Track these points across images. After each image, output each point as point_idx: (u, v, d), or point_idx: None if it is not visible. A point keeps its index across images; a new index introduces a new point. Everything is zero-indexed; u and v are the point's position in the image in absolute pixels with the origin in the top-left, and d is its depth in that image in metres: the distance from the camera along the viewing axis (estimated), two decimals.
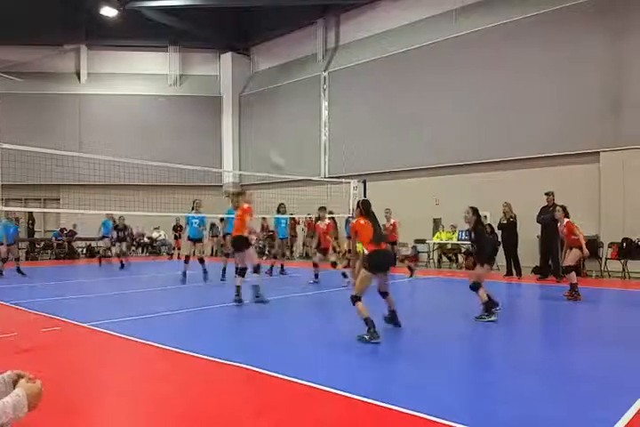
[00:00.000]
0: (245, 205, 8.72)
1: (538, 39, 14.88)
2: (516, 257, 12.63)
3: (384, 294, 6.30)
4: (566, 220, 9.31)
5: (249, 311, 7.98)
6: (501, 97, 15.54)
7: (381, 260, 6.00)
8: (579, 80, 14.06)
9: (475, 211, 7.19)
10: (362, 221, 6.28)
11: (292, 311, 8.27)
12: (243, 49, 24.82)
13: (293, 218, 18.08)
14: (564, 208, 9.43)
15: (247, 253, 8.58)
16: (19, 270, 13.05)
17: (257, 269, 8.60)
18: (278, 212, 12.93)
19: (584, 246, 8.92)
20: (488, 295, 6.95)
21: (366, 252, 5.97)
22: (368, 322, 5.61)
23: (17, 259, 13.63)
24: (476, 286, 6.94)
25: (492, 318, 6.79)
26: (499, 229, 12.62)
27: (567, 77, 14.27)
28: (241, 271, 8.63)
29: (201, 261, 11.92)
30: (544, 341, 6.17)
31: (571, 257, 9.07)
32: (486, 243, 7.30)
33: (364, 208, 6.44)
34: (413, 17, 18.49)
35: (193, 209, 12.01)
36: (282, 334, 6.31)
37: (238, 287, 8.52)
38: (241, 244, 8.58)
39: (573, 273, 8.92)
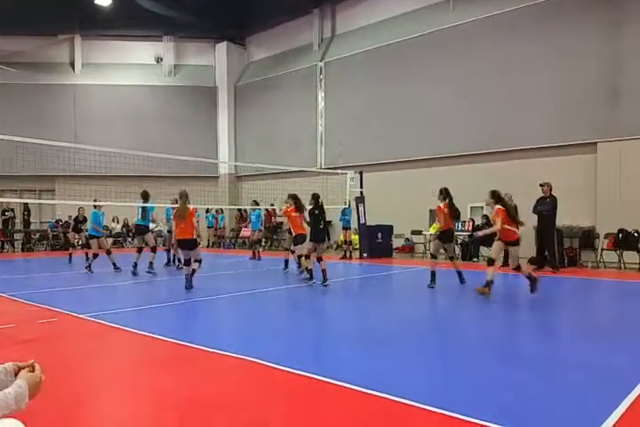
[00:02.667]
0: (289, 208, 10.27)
1: (535, 29, 14.83)
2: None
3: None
4: (497, 206, 8.43)
5: (249, 302, 7.98)
6: (498, 88, 15.51)
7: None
8: (576, 71, 14.03)
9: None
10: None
11: (293, 303, 8.29)
12: (238, 39, 24.67)
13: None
14: (496, 194, 8.56)
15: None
16: None
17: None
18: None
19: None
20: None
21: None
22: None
23: None
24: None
25: None
26: None
27: (564, 68, 14.24)
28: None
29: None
30: (538, 331, 6.18)
31: (495, 249, 8.51)
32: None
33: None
34: (410, 6, 18.39)
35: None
36: (284, 327, 6.33)
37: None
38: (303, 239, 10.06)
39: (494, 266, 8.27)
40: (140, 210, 11.88)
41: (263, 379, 4.11)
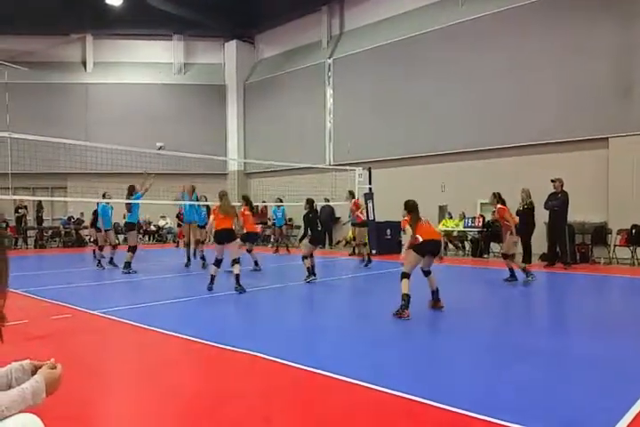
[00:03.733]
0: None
1: (545, 24, 14.72)
2: (529, 245, 12.31)
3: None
4: (498, 205, 9.47)
5: (256, 298, 8.03)
6: (508, 83, 15.41)
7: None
8: (587, 65, 13.90)
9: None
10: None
11: (296, 298, 8.33)
12: (247, 37, 24.68)
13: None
14: (496, 195, 9.61)
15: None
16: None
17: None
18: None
19: (513, 230, 9.20)
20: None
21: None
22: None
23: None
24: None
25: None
26: (516, 215, 11.97)
27: (576, 62, 14.11)
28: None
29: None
30: (550, 328, 6.17)
31: (507, 244, 9.38)
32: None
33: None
34: (418, 3, 18.32)
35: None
36: (286, 321, 6.36)
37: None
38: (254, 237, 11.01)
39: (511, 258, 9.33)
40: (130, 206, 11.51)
41: (269, 374, 4.15)
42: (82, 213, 21.03)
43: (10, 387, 1.77)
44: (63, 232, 20.84)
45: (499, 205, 9.45)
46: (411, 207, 6.95)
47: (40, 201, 21.30)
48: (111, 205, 12.38)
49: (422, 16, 17.98)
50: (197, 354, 4.79)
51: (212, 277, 8.44)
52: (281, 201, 16.23)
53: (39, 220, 21.32)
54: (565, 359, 4.50)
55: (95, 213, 13.25)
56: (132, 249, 11.23)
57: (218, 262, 8.53)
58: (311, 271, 9.58)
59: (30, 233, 20.90)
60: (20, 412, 1.70)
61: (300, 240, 11.05)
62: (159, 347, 5.12)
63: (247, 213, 11.33)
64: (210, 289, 8.37)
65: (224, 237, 8.57)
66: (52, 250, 19.26)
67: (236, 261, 8.45)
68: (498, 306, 7.39)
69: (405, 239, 7.09)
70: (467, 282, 9.93)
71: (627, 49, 13.35)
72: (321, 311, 7.41)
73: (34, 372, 1.85)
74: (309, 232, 9.76)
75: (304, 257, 9.64)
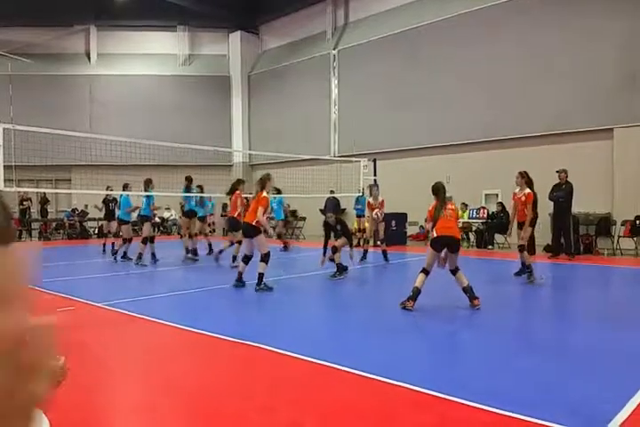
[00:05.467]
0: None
1: (553, 13, 14.58)
2: (533, 236, 12.10)
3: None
4: (527, 190, 8.40)
5: (258, 292, 8.04)
6: (513, 74, 15.30)
7: None
8: (592, 55, 13.78)
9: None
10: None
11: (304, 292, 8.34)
12: (251, 28, 24.56)
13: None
14: (525, 174, 8.55)
15: None
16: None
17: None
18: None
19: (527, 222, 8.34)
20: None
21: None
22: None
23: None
24: None
25: None
26: None
27: (580, 53, 14.00)
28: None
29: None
30: (555, 319, 6.16)
31: (527, 234, 8.41)
32: None
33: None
34: None
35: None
36: (290, 314, 6.38)
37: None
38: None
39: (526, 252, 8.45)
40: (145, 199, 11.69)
41: (273, 366, 4.16)
42: (86, 206, 21.08)
43: None
44: (67, 224, 20.91)
45: (528, 190, 8.37)
46: (435, 190, 6.61)
47: (44, 194, 21.37)
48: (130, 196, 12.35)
49: (427, 6, 17.83)
50: (202, 346, 4.81)
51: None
52: (279, 192, 15.02)
53: (43, 212, 21.40)
54: (570, 350, 4.50)
55: (107, 205, 13.21)
56: (146, 240, 11.37)
57: (246, 259, 8.04)
58: (342, 267, 9.01)
59: (34, 225, 20.98)
60: None
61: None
62: (163, 339, 5.14)
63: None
64: (236, 286, 8.00)
65: (244, 232, 8.14)
66: (57, 242, 19.33)
67: (263, 259, 7.78)
68: (503, 297, 7.37)
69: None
70: (472, 274, 9.91)
71: (632, 38, 13.20)
72: (326, 304, 7.42)
73: None
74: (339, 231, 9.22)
75: (335, 251, 9.07)
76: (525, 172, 8.65)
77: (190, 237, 12.40)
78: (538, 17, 14.83)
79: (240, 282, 8.03)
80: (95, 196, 15.05)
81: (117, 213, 12.48)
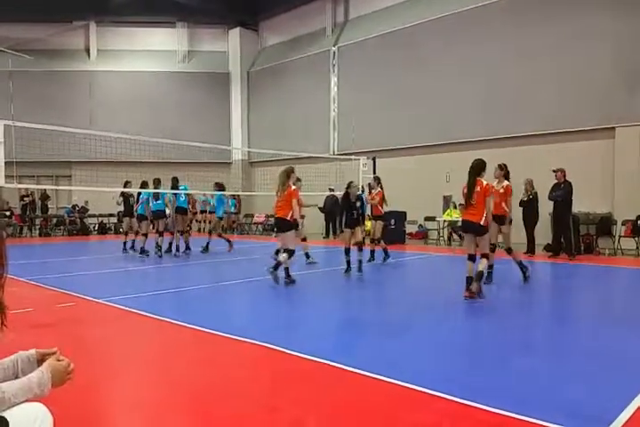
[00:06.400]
0: None
1: (550, 12, 14.56)
2: (532, 235, 12.07)
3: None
4: (506, 182, 8.05)
5: (261, 288, 8.04)
6: (513, 72, 15.28)
7: None
8: (592, 53, 13.76)
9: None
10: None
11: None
12: (251, 24, 24.51)
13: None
14: (504, 166, 8.26)
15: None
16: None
17: None
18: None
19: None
20: None
21: None
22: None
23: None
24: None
25: None
26: (520, 206, 11.66)
27: (580, 51, 13.97)
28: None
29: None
30: (555, 319, 6.17)
31: (509, 231, 8.07)
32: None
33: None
34: None
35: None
36: (293, 311, 6.38)
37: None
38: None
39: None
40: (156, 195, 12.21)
41: (278, 364, 4.16)
42: (86, 202, 21.10)
43: (16, 377, 1.78)
44: (68, 221, 20.91)
45: (506, 182, 8.08)
46: (469, 169, 6.77)
47: (45, 190, 21.36)
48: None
49: (427, 4, 17.78)
50: (204, 343, 4.81)
51: (278, 265, 7.84)
52: (221, 188, 13.20)
53: (44, 208, 21.39)
54: (570, 350, 4.50)
55: (127, 200, 13.26)
56: (181, 232, 12.47)
57: (278, 252, 8.27)
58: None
59: (36, 222, 20.98)
60: (27, 401, 1.71)
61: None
62: (164, 336, 5.13)
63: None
64: (287, 284, 7.99)
65: (278, 226, 8.29)
66: (57, 238, 19.32)
67: (286, 251, 7.90)
68: (502, 296, 7.38)
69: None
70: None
71: (632, 37, 13.16)
72: (327, 302, 7.42)
73: (40, 362, 1.85)
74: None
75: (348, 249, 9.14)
76: (504, 164, 8.41)
77: (181, 233, 12.70)
78: (538, 15, 14.79)
79: (288, 278, 8.00)
80: (94, 192, 15.03)
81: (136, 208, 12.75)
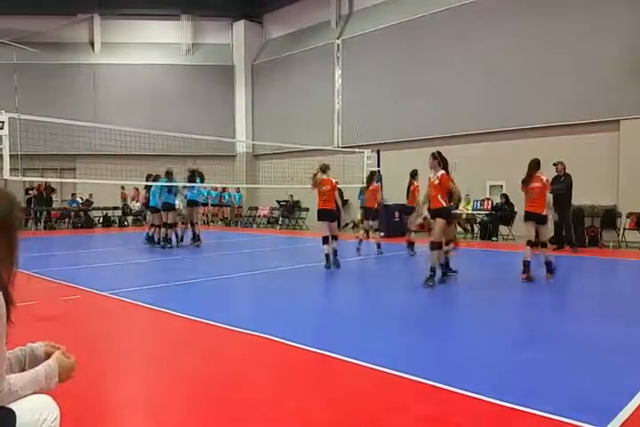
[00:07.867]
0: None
1: (556, 4, 14.44)
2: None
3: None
4: (442, 171, 7.62)
5: (265, 281, 8.07)
6: (518, 64, 15.18)
7: None
8: (598, 46, 13.65)
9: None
10: None
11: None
12: (255, 17, 24.43)
13: None
14: (437, 155, 7.93)
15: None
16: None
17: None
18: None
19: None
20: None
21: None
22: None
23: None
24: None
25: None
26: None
27: (586, 44, 13.86)
28: None
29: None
30: (560, 311, 6.16)
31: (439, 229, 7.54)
32: None
33: None
34: None
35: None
36: (295, 304, 6.40)
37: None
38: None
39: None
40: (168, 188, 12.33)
41: (280, 356, 4.18)
42: (90, 195, 21.15)
43: (23, 370, 1.80)
44: (72, 213, 20.96)
45: (442, 171, 7.66)
46: (530, 165, 7.95)
47: (50, 183, 21.41)
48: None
49: None
50: (208, 336, 4.83)
51: (327, 256, 8.90)
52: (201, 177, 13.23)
53: (48, 201, 21.44)
54: (575, 343, 4.50)
55: (148, 192, 13.40)
56: (170, 226, 12.61)
57: (325, 240, 8.93)
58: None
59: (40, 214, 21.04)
60: (34, 393, 1.73)
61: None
62: (169, 328, 5.16)
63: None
64: (327, 268, 8.83)
65: (325, 217, 9.09)
66: (62, 231, 19.39)
67: (335, 237, 9.04)
68: (506, 289, 7.37)
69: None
70: (476, 265, 9.89)
71: (638, 29, 13.05)
72: (331, 295, 7.44)
73: (47, 354, 1.87)
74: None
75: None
76: (439, 151, 7.99)
77: (192, 224, 13.01)
78: (544, 7, 14.67)
79: (327, 262, 8.90)
80: (99, 185, 15.02)
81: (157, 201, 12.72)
